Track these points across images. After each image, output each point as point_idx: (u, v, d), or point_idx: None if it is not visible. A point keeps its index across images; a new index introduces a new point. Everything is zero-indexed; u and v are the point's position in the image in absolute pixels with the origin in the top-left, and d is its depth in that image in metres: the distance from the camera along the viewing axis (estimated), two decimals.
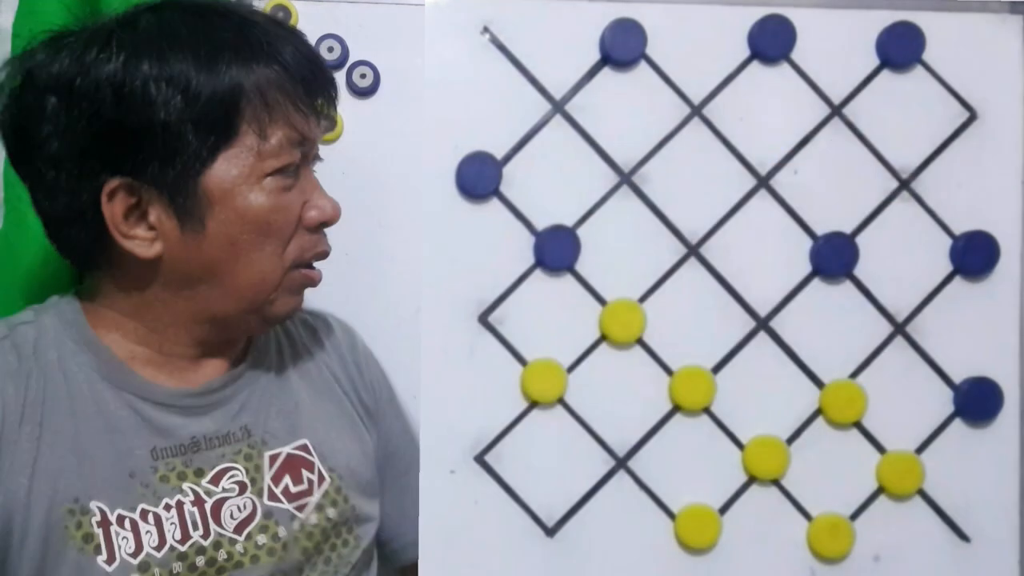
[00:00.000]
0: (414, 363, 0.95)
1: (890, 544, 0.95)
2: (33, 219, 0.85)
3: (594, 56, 0.94)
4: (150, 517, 0.65)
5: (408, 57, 0.96)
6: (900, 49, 0.94)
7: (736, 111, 0.94)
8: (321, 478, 0.73)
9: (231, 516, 0.69)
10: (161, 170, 0.63)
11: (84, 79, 0.62)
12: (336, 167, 0.94)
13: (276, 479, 0.71)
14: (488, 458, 0.93)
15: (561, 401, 0.94)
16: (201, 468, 0.69)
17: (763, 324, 0.95)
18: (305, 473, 0.73)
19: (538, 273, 0.94)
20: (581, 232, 0.94)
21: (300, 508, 0.71)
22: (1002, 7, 0.96)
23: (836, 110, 0.95)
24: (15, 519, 0.61)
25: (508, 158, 0.94)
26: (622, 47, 0.93)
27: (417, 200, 0.94)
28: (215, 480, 0.69)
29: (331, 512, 0.73)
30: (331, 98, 0.74)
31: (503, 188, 0.94)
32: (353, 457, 0.78)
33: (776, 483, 0.94)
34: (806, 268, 0.95)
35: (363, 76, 0.95)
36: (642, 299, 0.94)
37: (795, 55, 0.95)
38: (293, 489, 0.72)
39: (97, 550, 0.63)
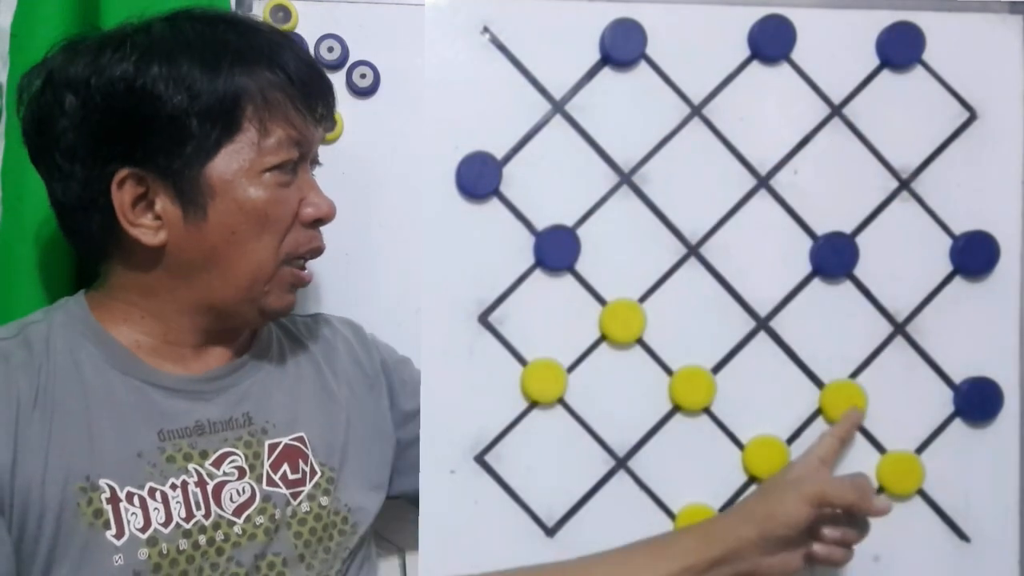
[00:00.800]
0: (414, 363, 0.95)
1: (890, 544, 0.95)
2: (32, 219, 0.85)
3: (594, 56, 0.94)
4: (158, 495, 0.69)
5: (408, 57, 0.96)
6: (900, 49, 0.95)
7: (736, 111, 0.94)
8: (313, 471, 0.77)
9: (231, 499, 0.72)
10: (167, 160, 0.68)
11: (99, 77, 0.68)
12: (336, 167, 0.94)
13: (275, 467, 0.75)
14: (488, 458, 0.93)
15: (561, 401, 0.94)
16: (205, 450, 0.73)
17: (763, 324, 0.95)
18: (301, 464, 0.76)
19: (538, 273, 0.94)
20: (581, 232, 0.94)
21: (295, 495, 0.74)
22: (1002, 7, 0.96)
23: (836, 110, 0.95)
24: (32, 497, 0.65)
25: (508, 158, 0.94)
26: (622, 47, 0.94)
27: (417, 200, 0.94)
28: (217, 463, 0.73)
29: (323, 500, 0.76)
30: (329, 103, 0.78)
31: (503, 188, 0.94)
32: (352, 448, 0.80)
33: None
34: (806, 268, 0.95)
35: (363, 76, 0.95)
36: (642, 299, 0.94)
37: (795, 55, 0.95)
38: (290, 476, 0.75)
39: (107, 525, 0.66)
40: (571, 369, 0.94)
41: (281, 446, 0.76)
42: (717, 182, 0.94)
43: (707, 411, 0.94)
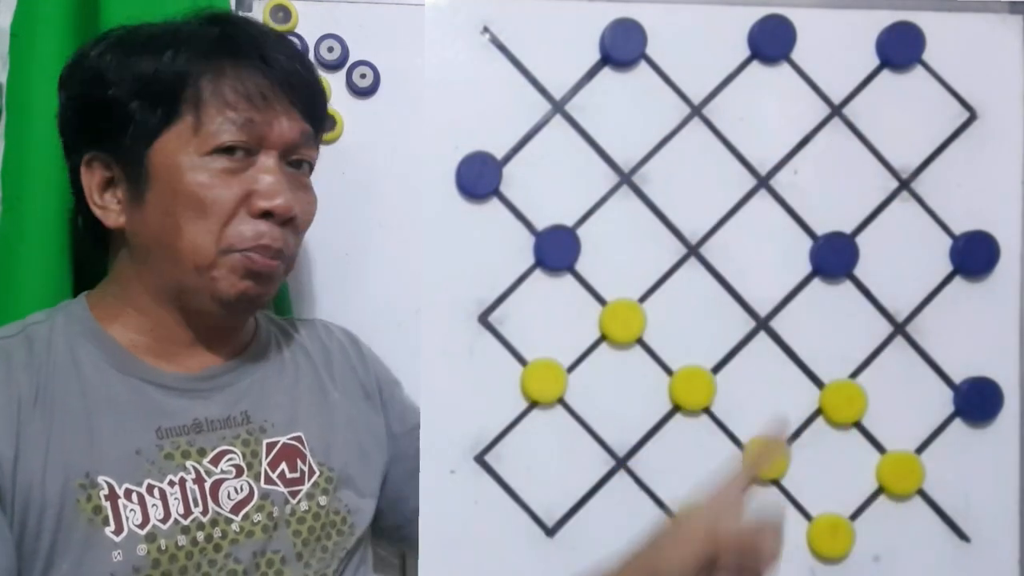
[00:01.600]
0: (414, 363, 0.95)
1: (890, 544, 0.95)
2: (32, 219, 0.85)
3: (594, 56, 0.94)
4: (156, 492, 0.70)
5: (408, 57, 0.96)
6: (900, 49, 0.95)
7: (736, 111, 0.94)
8: (312, 471, 0.77)
9: (228, 497, 0.73)
10: (117, 143, 0.71)
11: (76, 68, 0.73)
12: (336, 167, 0.94)
13: (273, 465, 0.76)
14: (488, 458, 0.93)
15: (561, 401, 0.94)
16: (203, 448, 0.73)
17: (763, 324, 0.95)
18: (299, 463, 0.76)
19: (538, 273, 0.94)
20: (581, 232, 0.94)
21: (293, 494, 0.74)
22: (1002, 7, 0.96)
23: (836, 110, 0.95)
24: (33, 494, 0.66)
25: (508, 158, 0.94)
26: (622, 47, 0.94)
27: (417, 200, 0.94)
28: (215, 461, 0.73)
29: (322, 500, 0.76)
30: (311, 108, 0.75)
31: (503, 188, 0.94)
32: (348, 451, 0.80)
33: (776, 483, 0.94)
34: (806, 268, 0.95)
35: (363, 76, 0.95)
36: (642, 299, 0.94)
37: (795, 55, 0.95)
38: (288, 475, 0.75)
39: (106, 521, 0.67)
40: (571, 369, 0.94)
41: (279, 445, 0.76)
42: (717, 182, 0.94)
43: (707, 411, 0.94)
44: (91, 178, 0.72)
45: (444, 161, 0.94)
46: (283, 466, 0.75)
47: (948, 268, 0.95)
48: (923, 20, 0.95)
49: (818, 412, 0.95)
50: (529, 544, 0.93)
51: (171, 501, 0.69)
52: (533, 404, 0.93)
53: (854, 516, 0.94)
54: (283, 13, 0.95)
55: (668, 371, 0.94)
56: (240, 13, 0.95)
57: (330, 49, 0.95)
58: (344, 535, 0.77)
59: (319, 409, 0.80)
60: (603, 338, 0.94)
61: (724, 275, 0.94)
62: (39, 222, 0.85)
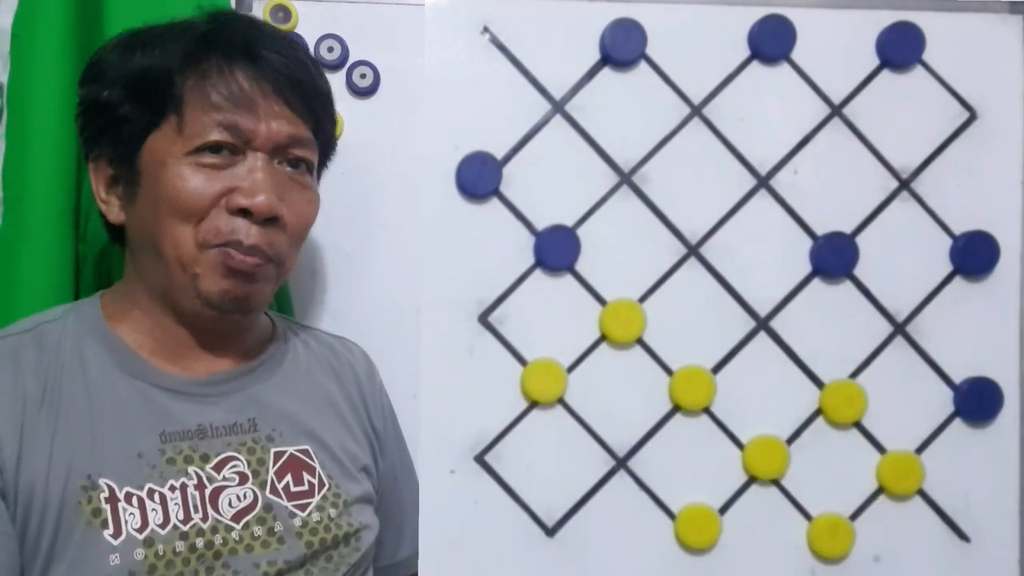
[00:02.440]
0: (414, 363, 0.95)
1: (890, 544, 0.95)
2: (33, 219, 0.85)
3: (594, 56, 0.94)
4: (156, 496, 0.69)
5: (408, 57, 0.96)
6: (900, 49, 0.95)
7: (736, 111, 0.94)
8: (322, 483, 0.76)
9: (229, 504, 0.72)
10: (112, 143, 0.72)
11: (89, 67, 0.74)
12: (336, 167, 0.94)
13: (279, 475, 0.75)
14: (488, 458, 0.93)
15: (561, 401, 0.94)
16: (207, 454, 0.72)
17: (763, 324, 0.95)
18: (306, 476, 0.75)
19: (538, 273, 0.94)
20: (581, 232, 0.94)
21: (301, 507, 0.74)
22: (1002, 7, 0.96)
23: (836, 110, 0.95)
24: (36, 493, 0.65)
25: (508, 158, 0.94)
26: (622, 47, 0.94)
27: (417, 200, 0.94)
28: (218, 468, 0.72)
29: (332, 512, 0.75)
30: (312, 107, 0.75)
31: (503, 188, 0.94)
32: (354, 469, 0.79)
33: (776, 483, 0.94)
34: (806, 268, 0.95)
35: (363, 76, 0.95)
36: (642, 299, 0.94)
37: (795, 55, 0.95)
38: (293, 488, 0.75)
39: (104, 524, 0.66)
40: (571, 369, 0.94)
41: (287, 455, 0.75)
42: (717, 182, 0.94)
43: (707, 411, 0.94)
44: (97, 175, 0.74)
45: (444, 161, 0.94)
46: (288, 477, 0.74)
47: (948, 268, 0.95)
48: (923, 20, 0.95)
49: (818, 412, 0.95)
50: (529, 544, 0.93)
51: (171, 506, 0.69)
52: (533, 404, 0.93)
53: (854, 516, 0.94)
54: (283, 13, 0.95)
55: (668, 371, 0.94)
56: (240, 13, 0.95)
57: (330, 49, 0.95)
58: (351, 548, 0.76)
59: (331, 424, 0.79)
60: (603, 338, 0.94)
61: (724, 275, 0.94)
62: (40, 222, 0.85)
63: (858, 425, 0.95)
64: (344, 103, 0.94)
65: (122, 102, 0.71)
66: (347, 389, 0.83)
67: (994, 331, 0.96)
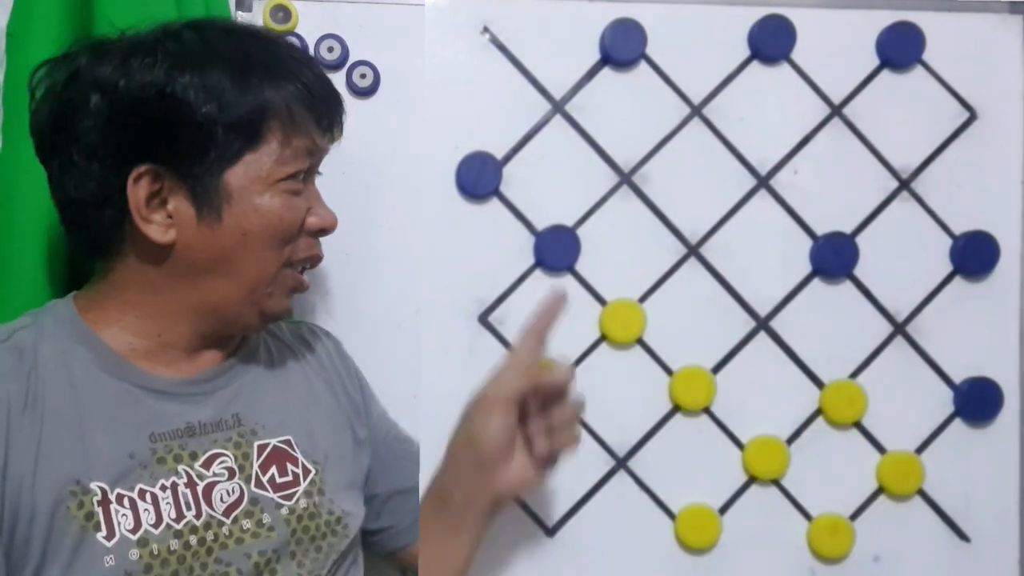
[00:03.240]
0: (414, 363, 0.95)
1: (890, 544, 0.95)
2: (23, 219, 0.85)
3: (594, 56, 0.94)
4: (148, 496, 0.70)
5: (408, 57, 0.96)
6: (900, 49, 0.95)
7: (736, 111, 0.94)
8: (307, 470, 0.78)
9: (221, 499, 0.73)
10: (189, 164, 0.71)
11: (129, 80, 0.70)
12: (336, 167, 0.94)
13: (263, 468, 0.76)
14: None
15: None
16: (195, 452, 0.73)
17: (763, 324, 0.95)
18: (290, 466, 0.78)
19: (538, 273, 0.94)
20: (581, 232, 0.94)
21: (287, 497, 0.75)
22: (1002, 7, 0.96)
23: (836, 110, 0.95)
24: (23, 500, 0.65)
25: (508, 158, 0.94)
26: (622, 47, 0.93)
27: (417, 200, 0.94)
28: (207, 464, 0.73)
29: (318, 499, 0.77)
30: (339, 116, 0.81)
31: (503, 188, 0.94)
32: (337, 454, 0.81)
33: (776, 483, 0.94)
34: (806, 268, 0.95)
35: (363, 76, 0.95)
36: (642, 299, 0.94)
37: (795, 55, 0.95)
38: (279, 480, 0.77)
39: (97, 527, 0.67)
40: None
41: (270, 447, 0.76)
42: (717, 182, 0.94)
43: (707, 411, 0.94)
44: (138, 191, 0.70)
45: (444, 161, 0.94)
46: (273, 469, 0.76)
47: (948, 268, 0.95)
48: (923, 20, 0.95)
49: (818, 412, 0.95)
50: (529, 544, 0.93)
51: (163, 505, 0.69)
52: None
53: (854, 516, 0.94)
54: (283, 13, 0.95)
55: (668, 371, 0.94)
56: (240, 13, 0.95)
57: (330, 49, 0.95)
58: (338, 536, 0.78)
59: (308, 411, 0.81)
60: (603, 338, 0.94)
61: (724, 275, 0.94)
62: (31, 222, 0.85)
63: (858, 425, 0.95)
64: (344, 103, 0.94)
65: (214, 127, 0.70)
66: (323, 373, 0.85)
67: (994, 331, 0.96)
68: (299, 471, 0.78)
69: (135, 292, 0.74)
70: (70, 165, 0.72)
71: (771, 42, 0.94)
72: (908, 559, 0.95)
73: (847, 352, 0.95)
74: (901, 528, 0.95)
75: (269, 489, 0.75)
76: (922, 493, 0.95)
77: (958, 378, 0.95)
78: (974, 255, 0.95)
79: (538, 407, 0.78)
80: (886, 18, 0.95)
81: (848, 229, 0.95)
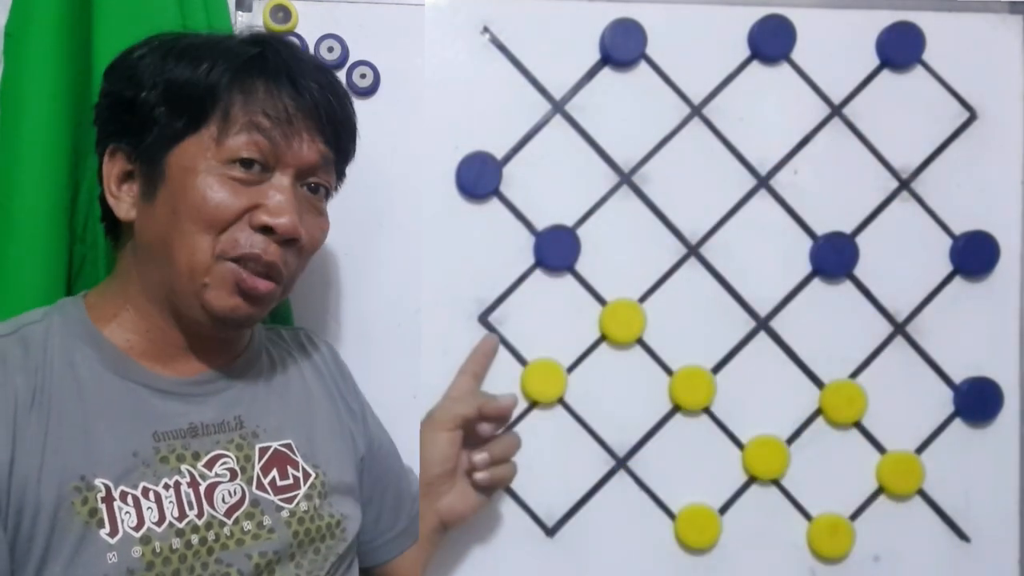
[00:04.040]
0: (414, 363, 0.95)
1: (890, 544, 0.95)
2: (21, 220, 0.85)
3: (594, 56, 0.94)
4: (151, 494, 0.70)
5: (408, 57, 0.96)
6: (900, 49, 0.95)
7: (736, 111, 0.94)
8: (307, 474, 0.78)
9: (222, 500, 0.73)
10: (140, 141, 0.73)
11: (115, 67, 0.75)
12: None
13: (264, 470, 0.77)
14: None
15: (561, 401, 0.94)
16: (198, 452, 0.73)
17: (763, 324, 0.95)
18: (291, 470, 0.78)
19: (538, 273, 0.94)
20: (581, 232, 0.94)
21: (287, 500, 0.76)
22: (1002, 7, 0.96)
23: (836, 110, 0.95)
24: (28, 495, 0.66)
25: (508, 158, 0.94)
26: (622, 47, 0.94)
27: (417, 200, 0.94)
28: (209, 465, 0.74)
29: (318, 502, 0.77)
30: (339, 140, 0.78)
31: (503, 188, 0.94)
32: (336, 459, 0.81)
33: (776, 483, 0.94)
34: (806, 268, 0.95)
35: (363, 76, 0.95)
36: (642, 299, 0.94)
37: (795, 55, 0.95)
38: (279, 483, 0.77)
39: (101, 524, 0.67)
40: (571, 369, 0.94)
41: (271, 450, 0.77)
42: (717, 182, 0.94)
43: (707, 411, 0.94)
44: (111, 168, 0.74)
45: (444, 161, 0.94)
46: (274, 472, 0.76)
47: (948, 268, 0.95)
48: (923, 20, 0.95)
49: (818, 412, 0.95)
50: (529, 544, 0.93)
51: (166, 504, 0.70)
52: (533, 404, 0.93)
53: (854, 516, 0.94)
54: (283, 13, 0.95)
55: (668, 371, 0.94)
56: (240, 13, 0.95)
57: (330, 49, 0.95)
58: (336, 539, 0.78)
59: (308, 416, 0.81)
60: (603, 338, 0.94)
61: (724, 275, 0.94)
62: (32, 223, 0.85)
63: (858, 425, 0.95)
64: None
65: (158, 105, 0.71)
66: (321, 380, 0.86)
67: (994, 331, 0.96)
68: (299, 475, 0.78)
69: (123, 281, 0.75)
70: (97, 153, 0.77)
71: (771, 42, 0.94)
72: (908, 559, 0.95)
73: (847, 352, 0.95)
74: (901, 528, 0.95)
75: (270, 492, 0.75)
76: (922, 493, 0.95)
77: (958, 378, 0.95)
78: (974, 255, 0.95)
79: (481, 438, 0.87)
80: (886, 18, 0.95)
81: (848, 229, 0.95)
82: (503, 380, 0.93)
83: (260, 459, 0.76)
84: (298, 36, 0.95)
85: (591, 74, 0.94)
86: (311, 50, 0.95)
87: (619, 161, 0.94)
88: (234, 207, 0.71)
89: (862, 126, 0.95)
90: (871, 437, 0.95)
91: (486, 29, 0.94)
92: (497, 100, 0.94)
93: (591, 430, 0.94)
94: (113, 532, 0.67)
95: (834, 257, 0.94)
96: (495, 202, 0.94)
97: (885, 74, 0.95)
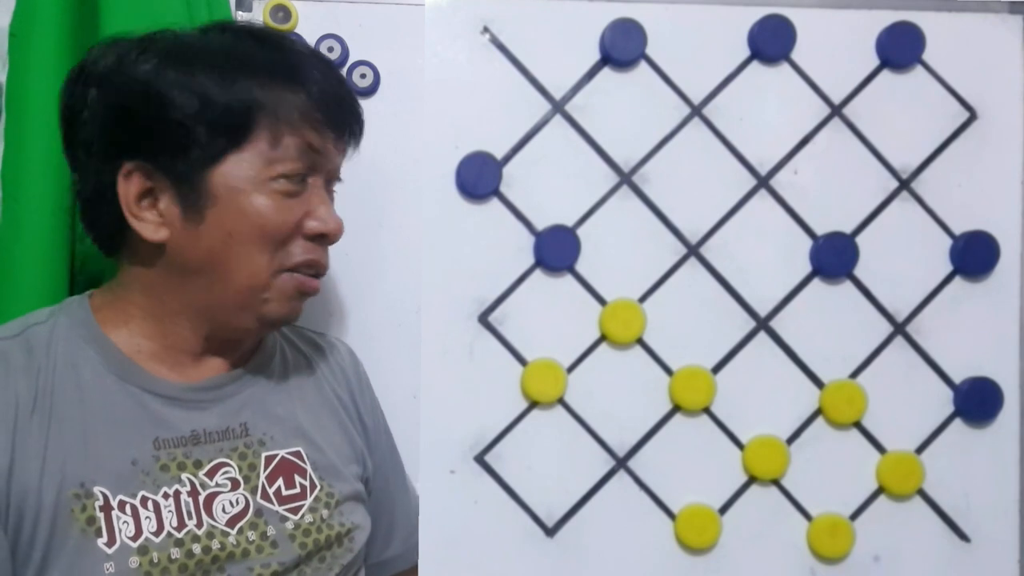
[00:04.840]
0: (414, 363, 0.95)
1: (890, 544, 0.95)
2: (28, 219, 0.85)
3: (594, 56, 0.94)
4: (150, 504, 0.69)
5: (408, 57, 0.96)
6: (900, 49, 0.95)
7: (736, 111, 0.94)
8: (313, 484, 0.77)
9: (223, 510, 0.72)
10: (172, 162, 0.70)
11: (120, 76, 0.70)
12: None
13: (270, 479, 0.75)
14: (488, 458, 0.93)
15: (561, 401, 0.94)
16: (199, 460, 0.72)
17: (763, 324, 0.95)
18: (298, 479, 0.76)
19: (538, 273, 0.94)
20: (581, 232, 0.94)
21: (293, 511, 0.74)
22: (1002, 7, 0.96)
23: (836, 110, 0.95)
24: (28, 501, 0.65)
25: (508, 158, 0.94)
26: (622, 47, 0.93)
27: (417, 200, 0.94)
28: (211, 473, 0.72)
29: (324, 513, 0.76)
30: (351, 124, 0.78)
31: (503, 188, 0.94)
32: (345, 468, 0.80)
33: (776, 483, 0.94)
34: (806, 268, 0.95)
35: (363, 76, 0.95)
36: (642, 299, 0.94)
37: (795, 55, 0.95)
38: (285, 492, 0.75)
39: (98, 533, 0.66)
40: (571, 369, 0.94)
41: (278, 459, 0.75)
42: (717, 182, 0.94)
43: (707, 411, 0.94)
44: (128, 188, 0.70)
45: (444, 161, 0.94)
46: (280, 482, 0.75)
47: (948, 268, 0.95)
48: (923, 20, 0.95)
49: (818, 412, 0.95)
50: (529, 544, 0.93)
51: (165, 514, 0.69)
52: (533, 404, 0.93)
53: (854, 516, 0.94)
54: (283, 13, 0.95)
55: (668, 371, 0.94)
56: (240, 13, 0.95)
57: (330, 49, 0.95)
58: (344, 548, 0.77)
59: (319, 422, 0.80)
60: (603, 338, 0.94)
61: (724, 275, 0.94)
62: (36, 222, 0.85)
63: (858, 425, 0.95)
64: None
65: (197, 124, 0.69)
66: (336, 387, 0.84)
67: (994, 331, 0.96)
68: (307, 483, 0.76)
69: (139, 292, 0.73)
70: (76, 161, 0.73)
71: (771, 42, 0.94)
72: (908, 559, 0.95)
73: (847, 352, 0.95)
74: (901, 528, 0.95)
75: (275, 502, 0.74)
76: (922, 493, 0.95)
77: (958, 378, 0.95)
78: (974, 255, 0.95)
79: None
80: (886, 18, 0.95)
81: (848, 229, 0.95)
82: (503, 380, 0.93)
83: (266, 468, 0.75)
84: (298, 36, 0.95)
85: (591, 74, 0.94)
86: None
87: (619, 161, 0.94)
88: (290, 222, 0.72)
89: (862, 126, 0.95)
90: (871, 437, 0.95)
91: (486, 29, 0.94)
92: (497, 100, 0.94)
93: (591, 430, 0.94)
94: (111, 542, 0.66)
95: (834, 257, 0.94)
96: (495, 202, 0.94)
97: (885, 74, 0.95)
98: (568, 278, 0.94)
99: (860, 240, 0.95)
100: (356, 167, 0.95)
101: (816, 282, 0.95)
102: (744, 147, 0.94)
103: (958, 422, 0.95)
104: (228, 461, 0.73)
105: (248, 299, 0.72)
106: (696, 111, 0.94)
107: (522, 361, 0.93)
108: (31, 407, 0.67)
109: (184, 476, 0.71)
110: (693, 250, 0.94)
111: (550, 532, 0.94)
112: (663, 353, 0.94)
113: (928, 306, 0.95)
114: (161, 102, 0.69)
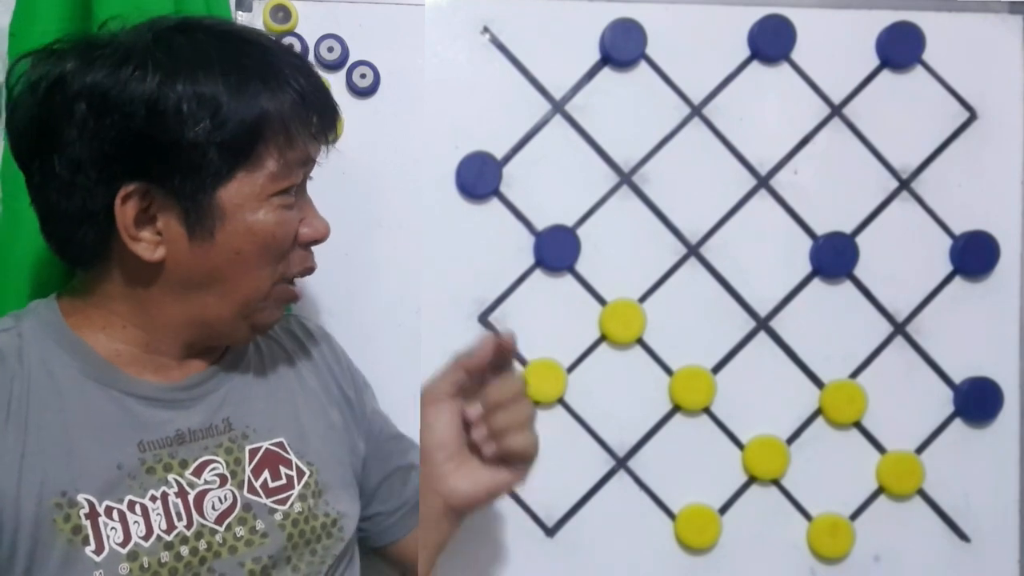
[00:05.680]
0: (414, 363, 0.95)
1: (890, 544, 0.95)
2: (29, 220, 0.85)
3: (594, 56, 0.94)
4: (137, 508, 0.68)
5: (408, 57, 0.96)
6: (900, 49, 0.95)
7: (736, 111, 0.94)
8: (300, 472, 0.76)
9: (212, 507, 0.71)
10: (181, 182, 0.67)
11: (119, 92, 0.66)
12: (336, 167, 0.94)
13: (256, 472, 0.75)
14: None
15: (561, 401, 0.94)
16: (185, 460, 0.71)
17: (763, 324, 0.95)
18: (283, 469, 0.76)
19: (538, 273, 0.94)
20: (581, 232, 0.94)
21: (280, 502, 0.74)
22: (1002, 7, 0.96)
23: (836, 110, 0.95)
24: (5, 514, 0.63)
25: (508, 158, 0.94)
26: (622, 47, 0.94)
27: (417, 200, 0.94)
28: (197, 472, 0.72)
29: (312, 501, 0.75)
30: (334, 120, 0.77)
31: (503, 188, 0.94)
32: (331, 454, 0.80)
33: (776, 483, 0.94)
34: (806, 268, 0.95)
35: (363, 76, 0.95)
36: (642, 299, 0.94)
37: (795, 55, 0.95)
38: (271, 484, 0.75)
39: (86, 541, 0.65)
40: (571, 369, 0.94)
41: (262, 451, 0.75)
42: (717, 182, 0.94)
43: (707, 411, 0.94)
44: (126, 212, 0.67)
45: (444, 161, 0.94)
46: (266, 474, 0.74)
47: (948, 268, 0.95)
48: (923, 20, 0.95)
49: (818, 412, 0.95)
50: (529, 544, 0.93)
51: (153, 517, 0.68)
52: (533, 404, 0.93)
53: (854, 516, 0.94)
54: (283, 13, 0.95)
55: (668, 371, 0.94)
56: (240, 13, 0.95)
57: (330, 49, 0.95)
58: (334, 538, 0.76)
59: (300, 410, 0.79)
60: (603, 338, 0.94)
61: (724, 275, 0.94)
62: (34, 219, 0.85)
63: (858, 425, 0.95)
64: (344, 103, 0.94)
65: (209, 145, 0.66)
66: (315, 370, 0.84)
67: (994, 331, 0.96)
68: (292, 473, 0.76)
69: (123, 304, 0.71)
70: (52, 175, 0.68)
71: (771, 42, 0.94)
72: (908, 559, 0.95)
73: (847, 352, 0.95)
74: (901, 528, 0.95)
75: (262, 494, 0.73)
76: (922, 493, 0.95)
77: (958, 378, 0.95)
78: (974, 255, 0.95)
79: (486, 407, 0.78)
80: (886, 18, 0.95)
81: (848, 229, 0.95)
82: None
83: (251, 461, 0.74)
84: (298, 36, 0.95)
85: (591, 74, 0.94)
86: (311, 50, 0.95)
87: (619, 161, 0.94)
88: (291, 234, 0.72)
89: (862, 126, 0.95)
90: (871, 437, 0.95)
91: (486, 29, 0.94)
92: (497, 100, 0.94)
93: (591, 430, 0.94)
94: (99, 549, 0.65)
95: (834, 257, 0.94)
96: (495, 202, 0.94)
97: (885, 74, 0.95)
98: (568, 278, 0.94)
99: (860, 240, 0.95)
100: (356, 167, 0.96)
101: (816, 282, 0.95)
102: (744, 147, 0.94)
103: (958, 422, 0.95)
104: (214, 458, 0.72)
105: (245, 310, 0.72)
106: (696, 111, 0.94)
107: (522, 361, 0.93)
108: (5, 415, 0.65)
109: (171, 477, 0.70)
110: (693, 250, 0.94)
111: (550, 532, 0.94)
112: (663, 353, 0.94)
113: (928, 306, 0.95)
114: (170, 122, 0.66)
